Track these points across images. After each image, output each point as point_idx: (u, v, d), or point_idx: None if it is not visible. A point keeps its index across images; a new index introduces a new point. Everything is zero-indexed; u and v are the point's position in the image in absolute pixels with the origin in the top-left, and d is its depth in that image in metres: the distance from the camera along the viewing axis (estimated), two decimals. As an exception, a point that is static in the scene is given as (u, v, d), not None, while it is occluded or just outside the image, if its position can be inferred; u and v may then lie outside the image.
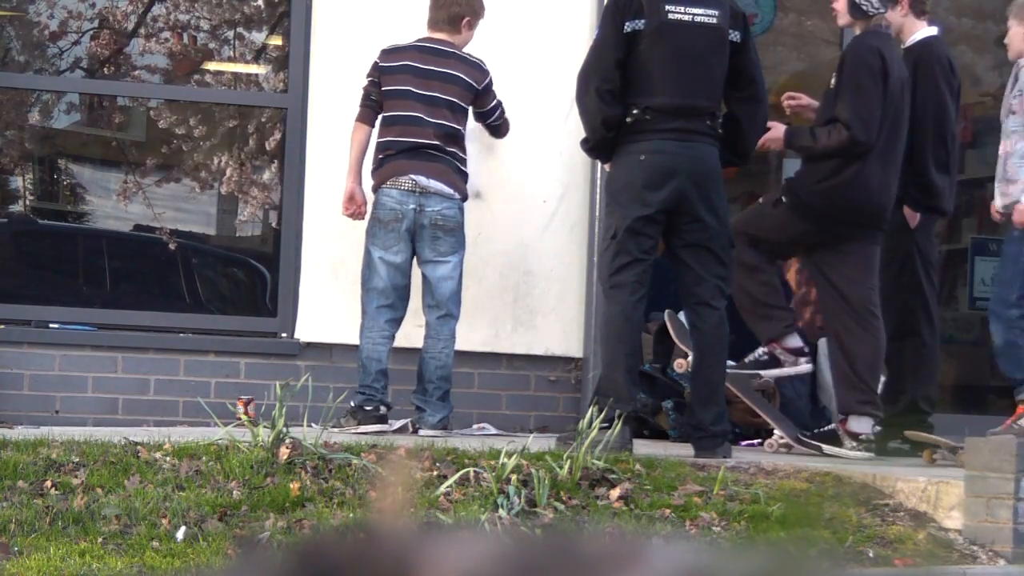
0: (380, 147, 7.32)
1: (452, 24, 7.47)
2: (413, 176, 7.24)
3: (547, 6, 8.24)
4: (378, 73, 7.35)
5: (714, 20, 6.64)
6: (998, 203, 7.58)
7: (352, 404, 7.19)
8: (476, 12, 7.56)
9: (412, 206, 7.24)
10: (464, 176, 7.38)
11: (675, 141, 6.59)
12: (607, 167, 7.03)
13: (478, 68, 7.42)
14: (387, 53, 7.39)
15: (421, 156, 7.25)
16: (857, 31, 7.28)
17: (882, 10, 7.20)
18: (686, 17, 6.61)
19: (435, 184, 7.25)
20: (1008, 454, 5.62)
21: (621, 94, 6.62)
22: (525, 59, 8.15)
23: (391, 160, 7.27)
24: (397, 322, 7.36)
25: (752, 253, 7.26)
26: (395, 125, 7.29)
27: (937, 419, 8.32)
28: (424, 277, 7.36)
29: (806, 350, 7.34)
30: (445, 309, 7.33)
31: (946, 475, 6.03)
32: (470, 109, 7.44)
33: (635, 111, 6.59)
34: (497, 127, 7.60)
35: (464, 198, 7.38)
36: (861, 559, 5.41)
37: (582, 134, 8.20)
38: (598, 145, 6.78)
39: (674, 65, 6.60)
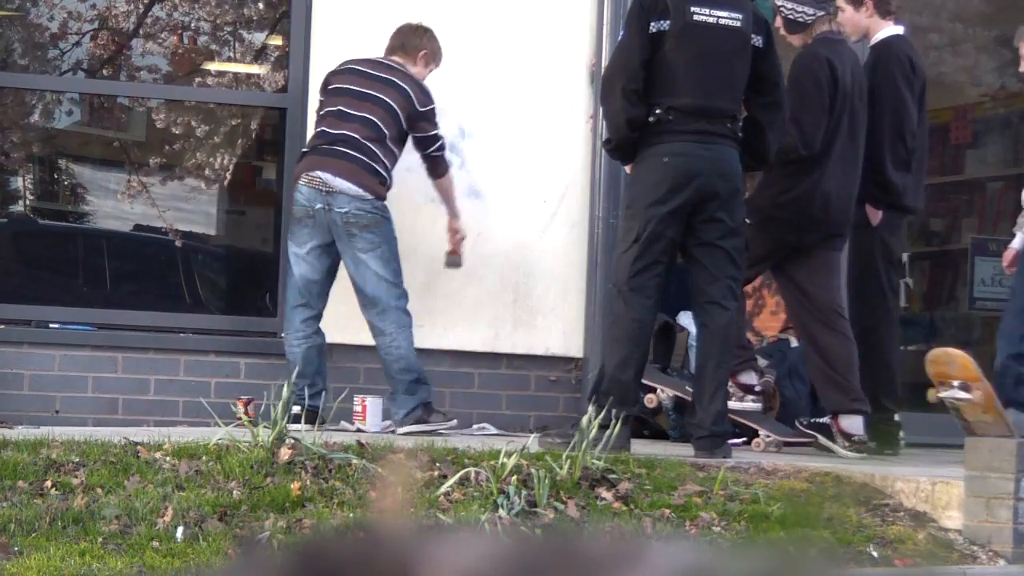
0: (309, 141, 7.43)
1: (407, 52, 7.54)
2: (320, 174, 7.26)
3: (548, 6, 8.24)
4: (325, 82, 7.47)
5: (738, 23, 6.65)
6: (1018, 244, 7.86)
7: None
8: (435, 53, 7.62)
9: (320, 205, 7.27)
10: (381, 177, 7.29)
11: (697, 143, 6.59)
12: (628, 169, 7.00)
13: (425, 92, 7.45)
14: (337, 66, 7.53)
15: (333, 154, 7.29)
16: (810, 42, 7.28)
17: (820, 12, 7.20)
18: (711, 19, 6.61)
19: (341, 183, 7.23)
20: (1008, 454, 5.62)
21: (644, 94, 6.61)
22: (526, 59, 8.15)
23: (307, 156, 7.34)
24: (314, 320, 7.42)
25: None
26: (324, 119, 7.36)
27: (937, 419, 8.31)
28: (350, 277, 7.37)
29: (757, 388, 7.38)
30: (380, 304, 7.30)
31: (946, 475, 6.03)
32: (410, 132, 7.41)
33: (658, 111, 6.57)
34: (435, 159, 7.53)
35: (379, 198, 7.29)
36: (861, 559, 5.42)
37: (583, 134, 8.22)
38: (621, 145, 6.74)
39: (698, 66, 6.60)
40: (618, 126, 6.66)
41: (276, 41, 8.72)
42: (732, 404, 7.08)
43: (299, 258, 7.34)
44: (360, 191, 7.23)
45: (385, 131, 7.30)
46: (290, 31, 8.18)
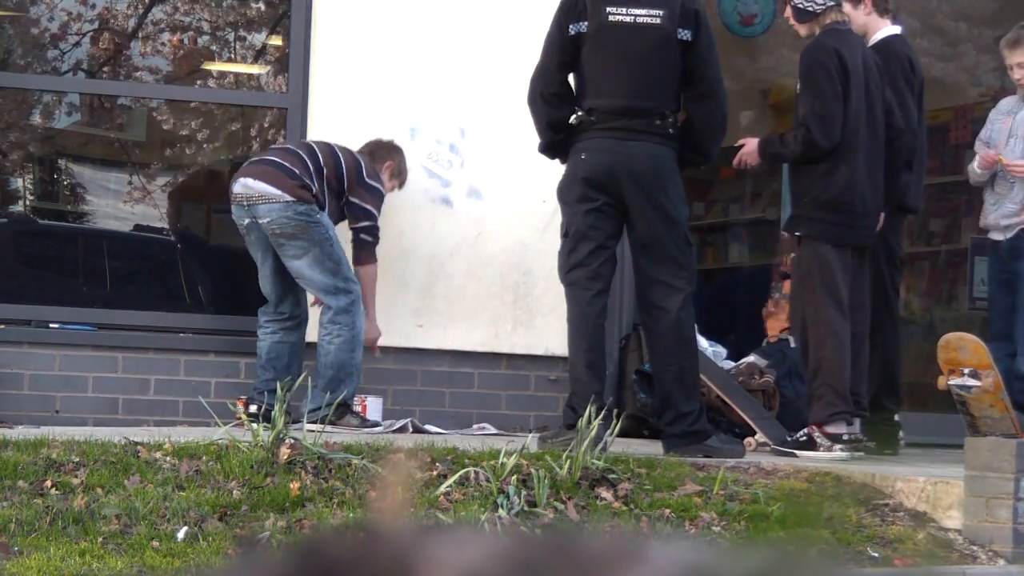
0: None
1: (375, 159, 7.65)
2: (236, 188, 7.38)
3: (548, 6, 8.23)
4: None
5: (657, 20, 6.60)
6: (998, 220, 7.80)
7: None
8: (401, 171, 7.76)
9: (247, 221, 7.37)
10: (301, 181, 7.32)
11: (615, 140, 6.59)
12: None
13: (376, 174, 7.54)
14: None
15: (250, 163, 7.48)
16: (817, 33, 7.24)
17: (829, 4, 7.16)
18: (627, 18, 6.60)
19: (258, 185, 7.30)
20: (1008, 454, 5.62)
21: (569, 96, 6.69)
22: (526, 59, 8.15)
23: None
24: (276, 321, 7.48)
25: (839, 325, 6.98)
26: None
27: (937, 418, 8.33)
28: None
29: (845, 436, 6.97)
30: (323, 303, 7.40)
31: (946, 475, 6.03)
32: (347, 195, 7.47)
33: (580, 113, 6.63)
34: (362, 242, 7.50)
35: (300, 200, 7.30)
36: (861, 559, 5.42)
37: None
38: (549, 146, 6.82)
39: (616, 66, 6.60)
40: (540, 129, 6.77)
41: (276, 41, 8.72)
42: (820, 453, 6.85)
43: (261, 274, 7.49)
44: (277, 192, 7.28)
45: (312, 164, 7.38)
46: (290, 31, 8.18)
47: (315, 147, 7.48)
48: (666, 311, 6.61)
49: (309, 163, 7.36)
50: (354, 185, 7.44)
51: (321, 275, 7.33)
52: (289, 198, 7.26)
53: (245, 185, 7.31)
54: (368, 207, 7.47)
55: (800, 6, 7.18)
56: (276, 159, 7.41)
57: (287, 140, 8.14)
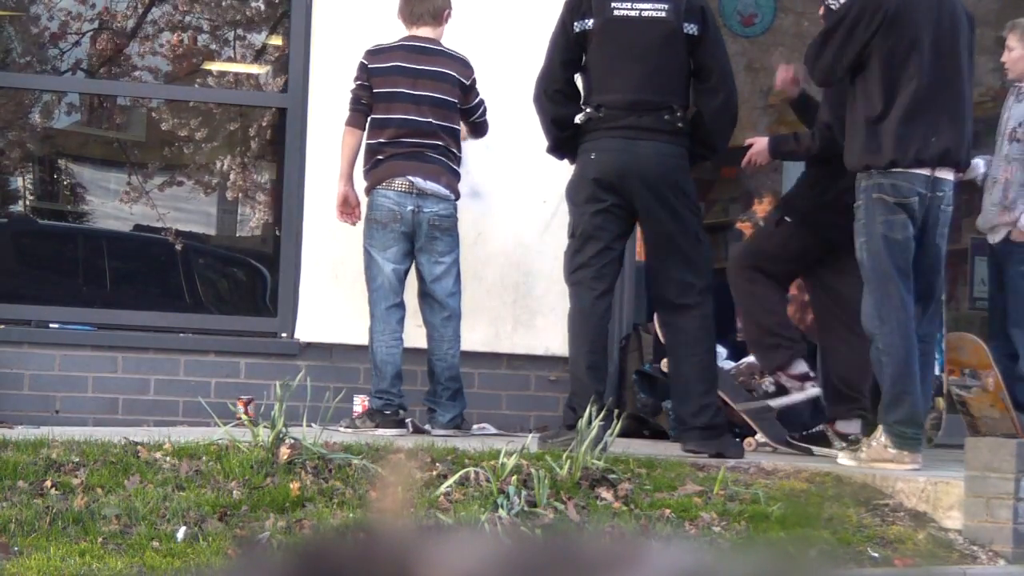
0: (372, 149, 7.33)
1: (435, 18, 7.49)
2: (410, 178, 7.26)
3: (549, 6, 8.23)
4: (367, 76, 7.34)
5: (663, 14, 6.62)
6: (984, 223, 7.82)
7: (369, 407, 7.26)
8: (450, 4, 7.61)
9: (410, 207, 7.27)
10: (457, 175, 7.39)
11: (624, 139, 6.60)
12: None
13: (464, 64, 7.47)
14: (374, 55, 7.39)
15: (416, 157, 7.28)
16: None
17: None
18: (633, 13, 6.62)
19: (431, 185, 7.27)
20: (1008, 454, 5.62)
21: (574, 94, 6.71)
22: (527, 59, 8.15)
23: (386, 162, 7.28)
24: (403, 321, 7.39)
25: (760, 280, 7.20)
26: (388, 127, 7.29)
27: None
28: (422, 278, 7.38)
29: (811, 374, 7.18)
30: (448, 310, 7.35)
31: (946, 475, 6.03)
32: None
33: (588, 109, 6.64)
34: (479, 124, 7.59)
35: (457, 197, 7.40)
36: (861, 559, 5.42)
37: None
38: (556, 145, 6.84)
39: (623, 62, 6.62)
40: (546, 127, 6.79)
41: (276, 41, 8.72)
42: (796, 396, 7.00)
43: (386, 261, 7.31)
44: (447, 192, 7.32)
45: (451, 125, 7.38)
46: (290, 31, 8.18)
47: (440, 122, 7.33)
48: (685, 307, 6.64)
49: (451, 147, 7.34)
50: (462, 98, 7.45)
51: (456, 277, 7.40)
52: (453, 196, 7.35)
53: (415, 183, 7.27)
54: (475, 100, 7.47)
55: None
56: (436, 155, 7.30)
57: (286, 138, 8.12)
